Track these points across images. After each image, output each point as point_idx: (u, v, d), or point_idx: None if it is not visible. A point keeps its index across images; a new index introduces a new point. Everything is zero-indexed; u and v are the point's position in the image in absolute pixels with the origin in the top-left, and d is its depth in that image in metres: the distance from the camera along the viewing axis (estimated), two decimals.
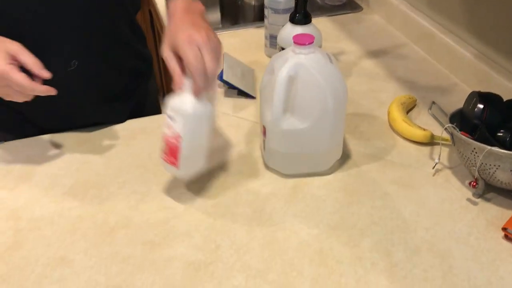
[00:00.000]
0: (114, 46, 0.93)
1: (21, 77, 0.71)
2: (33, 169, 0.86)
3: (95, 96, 0.93)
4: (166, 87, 1.98)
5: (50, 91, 0.75)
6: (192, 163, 0.76)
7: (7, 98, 0.76)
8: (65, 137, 0.93)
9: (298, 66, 0.74)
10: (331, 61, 0.77)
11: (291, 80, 0.75)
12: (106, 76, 0.94)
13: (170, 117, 0.72)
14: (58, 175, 0.85)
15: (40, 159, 0.88)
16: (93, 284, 0.67)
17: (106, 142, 0.92)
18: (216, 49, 0.70)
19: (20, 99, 0.76)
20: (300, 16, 0.98)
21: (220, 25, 1.50)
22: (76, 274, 0.68)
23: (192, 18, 0.74)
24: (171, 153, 0.73)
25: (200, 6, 0.79)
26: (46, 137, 0.93)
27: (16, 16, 0.80)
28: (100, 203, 0.79)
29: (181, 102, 0.71)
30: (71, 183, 0.83)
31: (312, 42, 0.75)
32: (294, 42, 0.75)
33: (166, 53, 0.71)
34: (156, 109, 1.15)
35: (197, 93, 0.70)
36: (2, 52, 0.72)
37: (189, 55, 0.68)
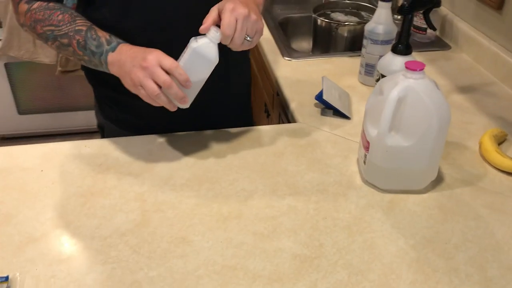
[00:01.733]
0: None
1: (171, 59, 0.81)
2: (154, 161, 0.97)
3: (220, 97, 1.03)
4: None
5: (184, 100, 0.84)
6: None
7: (136, 90, 0.84)
8: (180, 138, 1.04)
9: (408, 89, 0.82)
10: (437, 88, 0.84)
11: (400, 101, 0.82)
12: (232, 79, 1.04)
13: (184, 51, 0.84)
14: (176, 168, 0.95)
15: (160, 153, 0.99)
16: (211, 262, 0.75)
17: (216, 145, 1.02)
18: (253, 26, 0.84)
19: (149, 99, 0.84)
20: (403, 47, 1.06)
21: (311, 52, 1.60)
22: (196, 252, 0.77)
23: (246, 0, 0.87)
24: None
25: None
26: (164, 135, 1.04)
27: (158, 13, 0.93)
28: (214, 195, 0.88)
29: (195, 40, 0.83)
30: (187, 176, 0.93)
31: (423, 68, 0.82)
32: (406, 67, 0.82)
33: (212, 9, 0.84)
34: (249, 112, 1.26)
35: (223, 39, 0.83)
36: (149, 52, 0.83)
37: (225, 20, 0.81)
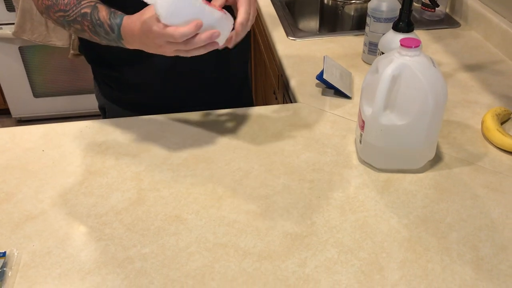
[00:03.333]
0: None
1: (171, 29, 0.76)
2: (153, 141, 0.98)
3: (221, 76, 1.02)
4: (255, 73, 2.09)
5: (215, 37, 0.78)
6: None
7: (159, 50, 0.82)
8: (179, 118, 1.04)
9: (402, 66, 0.80)
10: (434, 65, 0.82)
11: (395, 79, 0.81)
12: (231, 55, 1.04)
13: None
14: (174, 148, 0.96)
15: (158, 134, 1.00)
16: (203, 240, 0.76)
17: (214, 125, 1.02)
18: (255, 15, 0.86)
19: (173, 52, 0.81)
20: (404, 24, 1.04)
21: (318, 32, 1.58)
22: (188, 230, 0.78)
23: None
24: None
25: None
26: (164, 116, 1.05)
27: None
28: (210, 175, 0.89)
29: None
30: (184, 156, 0.94)
31: (418, 45, 0.80)
32: (401, 45, 0.81)
33: None
34: (249, 92, 1.26)
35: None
36: (150, 17, 0.78)
37: (244, 15, 0.81)
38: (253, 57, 2.02)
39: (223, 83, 1.04)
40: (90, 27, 0.86)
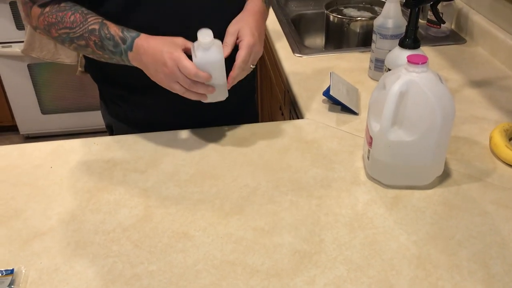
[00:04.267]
0: None
1: (189, 64, 0.84)
2: (160, 158, 0.98)
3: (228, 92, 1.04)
4: (260, 89, 2.09)
5: (210, 92, 0.89)
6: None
7: (158, 76, 0.88)
8: (186, 135, 1.05)
9: (410, 83, 0.81)
10: (441, 81, 0.83)
11: (402, 95, 0.81)
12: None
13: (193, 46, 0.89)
14: (181, 165, 0.96)
15: (166, 150, 1.00)
16: (211, 257, 0.76)
17: (221, 141, 1.02)
18: (257, 57, 0.95)
19: (181, 91, 0.88)
20: (410, 40, 1.05)
21: (324, 48, 1.59)
22: (196, 247, 0.78)
23: (262, 25, 0.98)
24: None
25: (264, 6, 1.01)
26: (171, 132, 1.05)
27: (170, 6, 0.94)
28: (217, 191, 0.89)
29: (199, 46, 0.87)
30: (192, 172, 0.94)
31: (425, 62, 0.81)
32: (408, 61, 0.81)
33: (231, 33, 0.92)
34: (254, 107, 1.28)
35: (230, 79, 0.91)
36: (171, 44, 0.85)
37: (242, 57, 0.90)
38: (259, 73, 2.03)
39: (229, 100, 1.04)
40: (97, 41, 0.88)
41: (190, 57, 0.86)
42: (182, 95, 0.89)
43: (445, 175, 0.91)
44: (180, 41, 0.86)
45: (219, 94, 0.92)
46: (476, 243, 0.77)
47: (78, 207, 0.86)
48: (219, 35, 0.88)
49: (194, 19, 0.96)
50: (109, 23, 0.89)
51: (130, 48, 0.87)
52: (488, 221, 0.81)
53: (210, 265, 0.74)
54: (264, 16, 1.01)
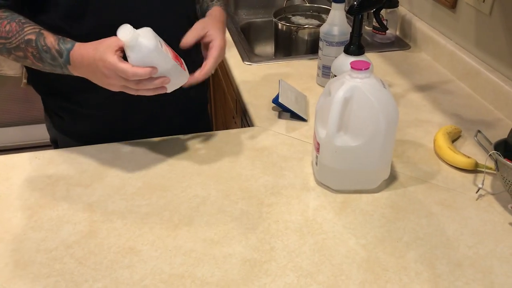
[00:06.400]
0: (197, 56, 1.01)
1: (125, 66, 0.78)
2: (105, 170, 0.95)
3: (177, 104, 1.02)
4: (214, 98, 2.08)
5: (164, 84, 0.83)
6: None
7: (106, 82, 0.83)
8: (133, 146, 1.02)
9: (354, 89, 0.82)
10: (384, 86, 0.84)
11: (347, 101, 0.82)
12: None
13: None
14: (127, 177, 0.93)
15: (111, 163, 0.97)
16: (159, 271, 0.74)
17: (170, 152, 1.01)
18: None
19: (129, 90, 0.83)
20: (354, 47, 1.06)
21: (274, 56, 1.60)
22: (143, 262, 0.75)
23: (224, 27, 1.00)
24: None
25: (225, 17, 1.04)
26: (117, 144, 1.02)
27: (117, 14, 0.91)
28: (165, 203, 0.87)
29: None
30: (139, 184, 0.91)
31: (368, 68, 0.82)
32: (352, 67, 0.82)
33: (199, 27, 0.93)
34: (207, 118, 1.26)
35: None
36: (104, 49, 0.80)
37: (213, 59, 0.91)
38: (212, 83, 2.02)
39: (181, 110, 1.03)
40: (35, 53, 0.84)
41: None
42: (139, 95, 0.85)
43: (392, 178, 0.93)
44: (113, 42, 0.80)
45: (177, 78, 0.86)
46: (422, 244, 0.79)
47: (18, 225, 0.82)
48: (168, 40, 0.86)
49: (141, 26, 0.93)
50: (46, 33, 0.85)
51: (68, 61, 0.84)
52: (434, 222, 0.83)
53: (158, 280, 0.72)
54: (224, 17, 1.03)
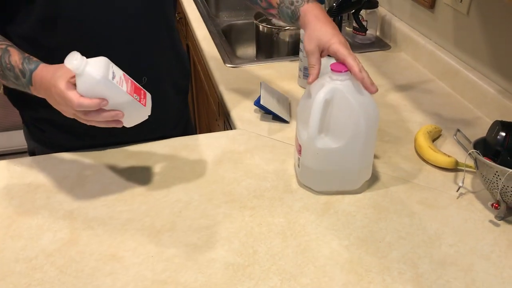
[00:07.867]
0: (177, 64, 0.99)
1: (72, 95, 0.74)
2: (86, 177, 0.94)
3: (156, 112, 1.01)
4: (197, 101, 2.08)
5: (118, 117, 0.77)
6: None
7: (59, 108, 0.79)
8: (115, 152, 1.01)
9: (334, 90, 0.82)
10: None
11: (327, 103, 0.82)
12: (168, 93, 1.03)
13: None
14: (109, 183, 0.92)
15: (92, 169, 0.96)
16: (141, 278, 0.73)
17: (152, 157, 1.00)
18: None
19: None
20: None
21: (255, 58, 1.60)
22: (125, 268, 0.75)
23: (331, 23, 0.92)
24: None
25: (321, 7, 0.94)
26: (97, 151, 1.01)
27: (90, 26, 0.89)
28: (147, 209, 0.86)
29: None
30: (120, 190, 0.90)
31: (348, 70, 0.82)
32: (332, 69, 0.83)
33: (315, 58, 0.88)
34: (189, 122, 1.25)
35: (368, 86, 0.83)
36: (60, 75, 0.76)
37: (355, 65, 0.83)
38: (194, 86, 2.01)
39: (160, 117, 1.02)
40: None
41: None
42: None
43: (374, 179, 0.93)
44: (64, 67, 0.75)
45: (133, 113, 0.79)
46: (405, 243, 0.79)
47: None
48: (143, 54, 0.84)
49: (116, 38, 0.92)
50: (12, 51, 0.82)
51: (30, 82, 0.81)
52: (416, 221, 0.84)
53: (140, 286, 0.72)
54: (323, 12, 0.94)
